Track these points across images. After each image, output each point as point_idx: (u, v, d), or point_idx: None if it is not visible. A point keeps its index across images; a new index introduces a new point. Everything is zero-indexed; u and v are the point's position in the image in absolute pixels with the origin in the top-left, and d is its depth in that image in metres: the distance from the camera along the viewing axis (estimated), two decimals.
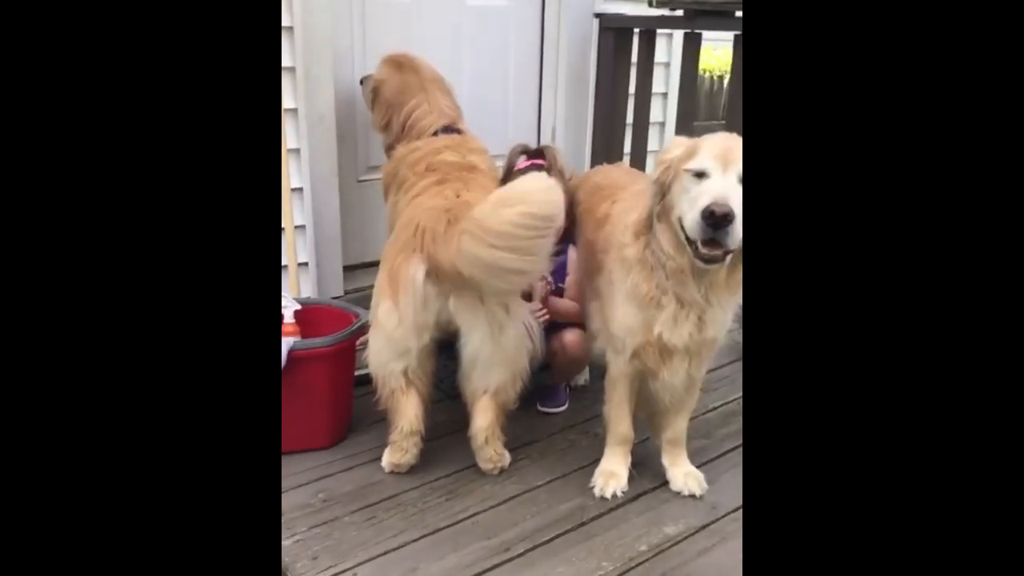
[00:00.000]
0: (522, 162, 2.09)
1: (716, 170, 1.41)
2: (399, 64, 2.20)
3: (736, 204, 1.37)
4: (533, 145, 2.20)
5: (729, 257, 1.46)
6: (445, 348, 1.85)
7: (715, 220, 1.36)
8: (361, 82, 2.32)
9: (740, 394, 2.31)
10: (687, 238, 1.46)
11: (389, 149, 2.22)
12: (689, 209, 1.42)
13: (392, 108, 2.17)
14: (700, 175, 1.43)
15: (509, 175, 2.08)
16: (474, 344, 1.72)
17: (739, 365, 2.50)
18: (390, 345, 1.74)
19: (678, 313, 1.56)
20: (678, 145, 1.52)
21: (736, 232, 1.38)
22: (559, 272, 2.11)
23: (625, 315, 1.64)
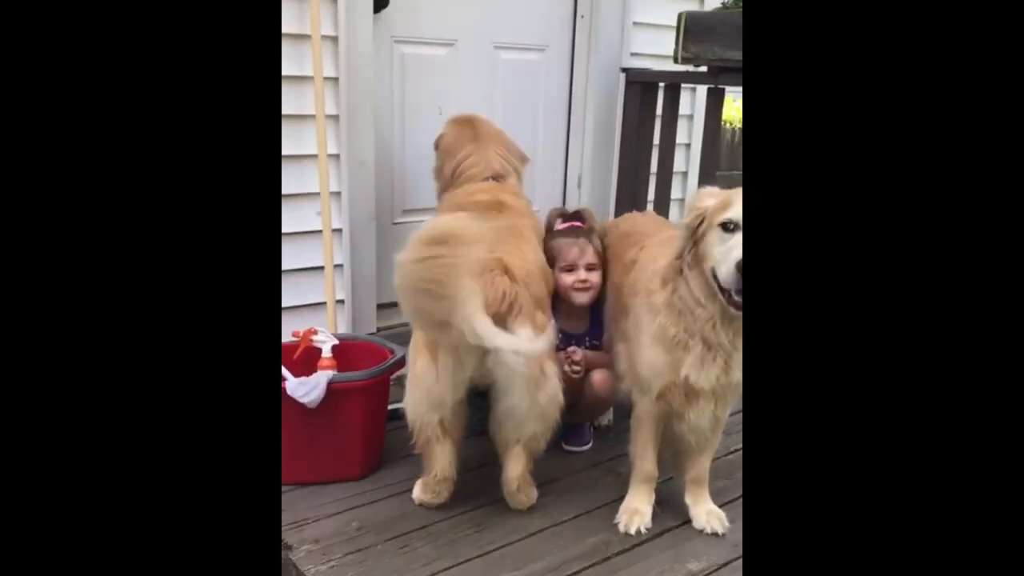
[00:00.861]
0: (560, 223, 2.20)
1: None
2: (461, 121, 2.34)
3: None
4: (569, 207, 2.32)
5: None
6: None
7: None
8: (436, 145, 2.42)
9: None
10: (720, 287, 1.54)
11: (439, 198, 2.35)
12: (724, 260, 1.50)
13: (447, 157, 2.30)
14: (735, 227, 1.52)
15: (548, 234, 2.19)
16: (511, 400, 1.74)
17: None
18: (428, 399, 1.76)
19: (705, 356, 1.63)
20: (711, 195, 1.60)
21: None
22: (595, 329, 2.19)
23: (652, 357, 1.71)
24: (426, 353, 1.75)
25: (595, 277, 2.12)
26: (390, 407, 2.15)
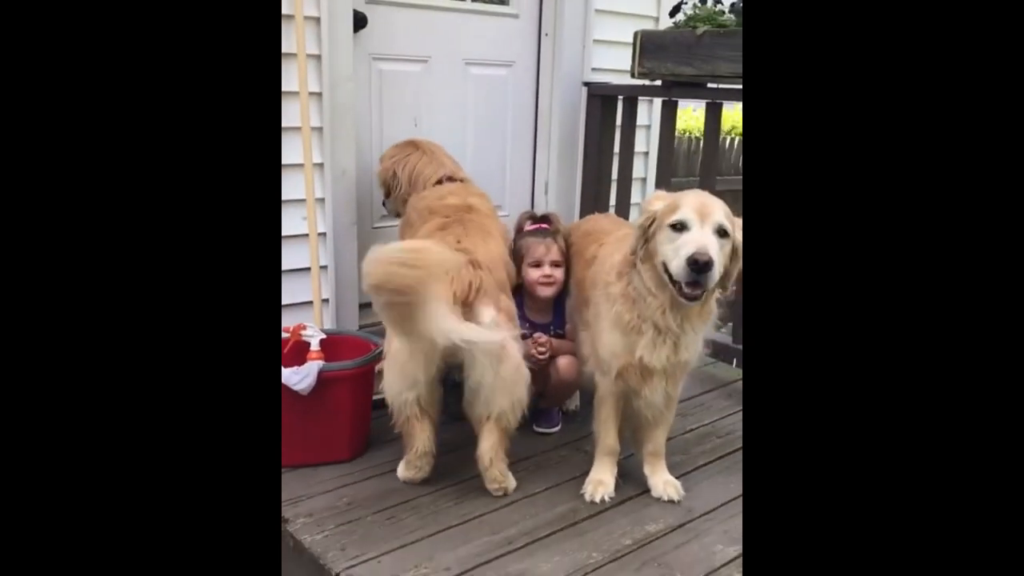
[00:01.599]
0: (529, 225, 2.41)
1: (695, 223, 1.72)
2: (400, 144, 2.58)
3: (714, 253, 1.67)
4: (537, 211, 2.54)
5: (705, 295, 1.76)
6: (450, 378, 2.09)
7: (699, 266, 1.66)
8: (380, 180, 2.62)
9: (714, 418, 2.59)
10: (671, 279, 1.75)
11: (396, 214, 2.55)
12: (674, 256, 1.71)
13: (396, 164, 2.50)
14: (681, 227, 1.74)
15: (518, 234, 2.41)
16: (476, 375, 1.91)
17: (714, 393, 2.78)
18: (403, 376, 1.94)
19: (656, 339, 1.85)
20: (660, 199, 1.83)
21: (714, 276, 1.69)
22: (559, 319, 2.40)
23: (611, 340, 1.93)
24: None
25: (559, 273, 2.33)
26: (375, 397, 2.33)
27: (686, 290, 1.73)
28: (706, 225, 1.72)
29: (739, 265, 1.84)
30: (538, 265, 2.33)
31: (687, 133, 5.42)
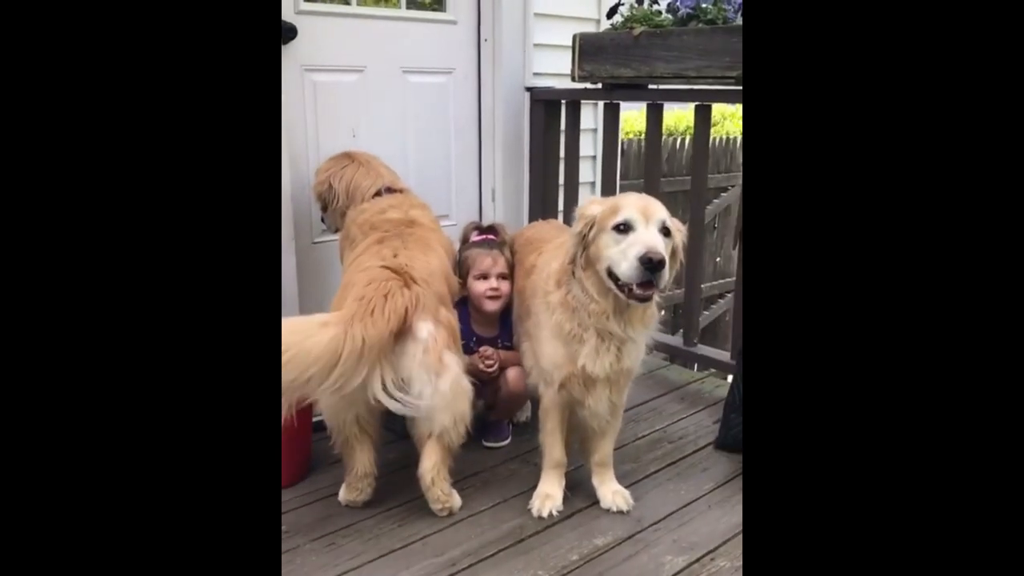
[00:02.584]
0: (475, 236, 2.36)
1: (640, 223, 1.69)
2: (335, 157, 2.49)
3: (664, 252, 1.64)
4: (485, 220, 2.49)
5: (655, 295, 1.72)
6: None
7: (652, 265, 1.62)
8: (316, 193, 2.53)
9: (666, 423, 2.55)
10: (616, 283, 1.71)
11: (335, 229, 2.48)
12: (622, 258, 1.67)
13: (332, 177, 2.42)
14: (626, 228, 1.69)
15: (464, 245, 2.35)
16: (415, 392, 1.83)
17: (667, 397, 2.75)
18: (341, 397, 1.85)
19: (599, 346, 1.80)
20: (597, 204, 1.79)
21: (665, 274, 1.65)
22: (506, 332, 2.35)
23: (552, 351, 1.88)
24: None
25: (505, 286, 2.28)
26: (314, 419, 2.26)
27: (637, 291, 1.69)
28: (651, 224, 1.69)
29: (677, 266, 1.82)
30: (484, 277, 2.27)
31: (630, 135, 5.43)
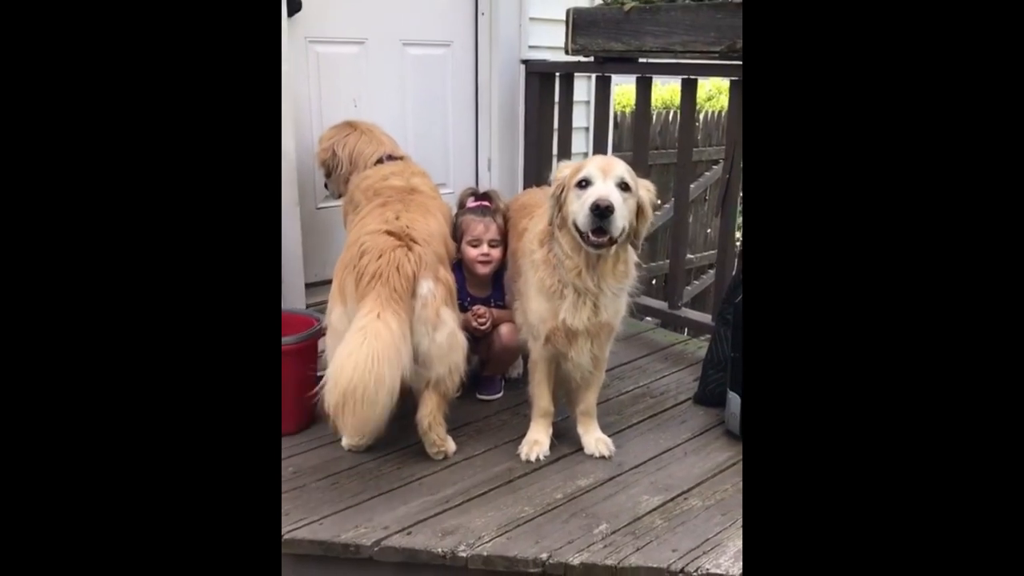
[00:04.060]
0: (471, 202, 2.48)
1: (599, 178, 1.83)
2: (337, 126, 2.63)
3: (616, 200, 1.78)
4: (479, 187, 2.60)
5: (614, 247, 1.86)
6: None
7: (600, 211, 1.76)
8: (320, 161, 2.67)
9: (649, 380, 2.71)
10: (580, 233, 1.85)
11: (338, 194, 2.61)
12: (580, 209, 1.82)
13: (335, 144, 2.56)
14: (586, 184, 1.84)
15: (460, 210, 2.47)
16: (413, 343, 1.97)
17: (650, 357, 2.91)
18: None
19: (576, 301, 1.95)
20: (567, 167, 1.93)
21: (616, 221, 1.79)
22: (498, 292, 2.49)
23: (537, 306, 2.03)
24: (339, 303, 2.03)
25: (496, 252, 2.42)
26: (319, 374, 2.41)
27: (592, 238, 1.83)
28: (608, 179, 1.84)
29: (647, 223, 1.95)
30: (477, 244, 2.41)
31: (620, 109, 5.53)
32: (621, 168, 1.87)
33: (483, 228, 2.40)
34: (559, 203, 1.91)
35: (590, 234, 1.82)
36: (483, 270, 2.42)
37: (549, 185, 2.01)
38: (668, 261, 4.34)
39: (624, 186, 1.85)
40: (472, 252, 2.40)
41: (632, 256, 2.01)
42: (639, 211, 1.91)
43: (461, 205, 2.51)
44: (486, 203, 2.47)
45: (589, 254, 1.89)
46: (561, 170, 1.93)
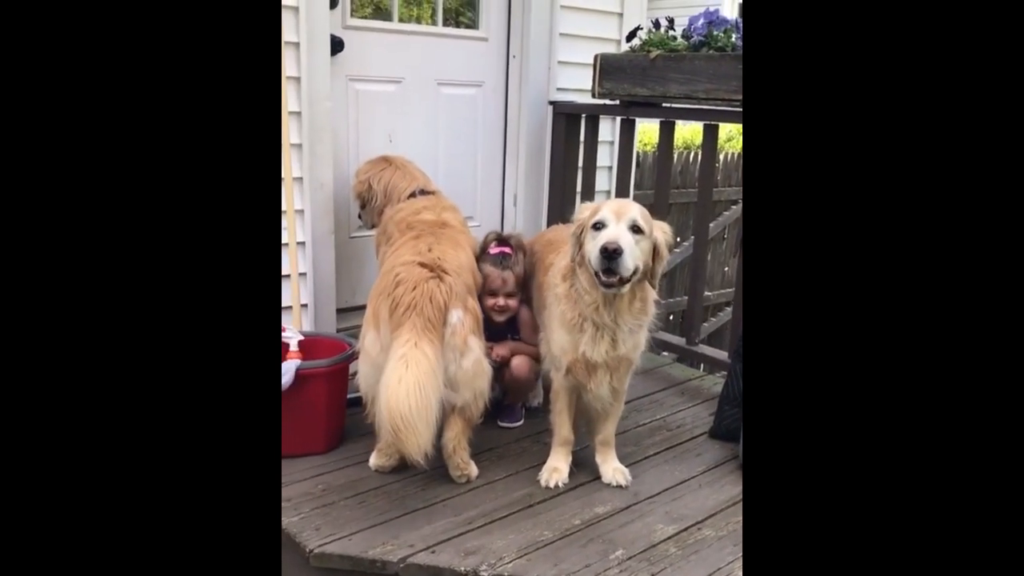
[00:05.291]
0: (493, 248, 2.54)
1: (612, 221, 1.94)
2: (373, 160, 2.77)
3: (625, 243, 1.89)
4: (503, 226, 2.70)
5: (626, 286, 1.96)
6: None
7: (608, 253, 1.87)
8: (356, 193, 2.80)
9: (666, 414, 2.79)
10: (594, 272, 1.95)
11: (371, 225, 2.75)
12: (593, 249, 1.93)
13: (371, 178, 2.69)
14: (600, 226, 1.95)
15: (482, 254, 2.53)
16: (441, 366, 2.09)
17: (668, 391, 2.99)
18: (375, 368, 2.11)
19: (595, 335, 2.05)
20: (586, 209, 2.05)
21: (625, 262, 1.89)
22: (513, 326, 2.58)
23: (559, 338, 2.13)
24: (372, 328, 2.14)
25: (512, 302, 2.50)
26: (349, 396, 2.51)
27: (603, 277, 1.93)
28: (621, 223, 1.94)
29: (662, 263, 2.05)
30: (494, 295, 2.49)
31: (642, 148, 5.66)
32: (634, 211, 1.98)
33: (500, 282, 2.47)
34: (579, 241, 2.02)
35: (600, 274, 1.92)
36: (498, 318, 2.50)
37: (572, 223, 2.12)
38: (686, 297, 4.43)
39: (636, 229, 1.95)
40: (488, 302, 2.48)
41: (651, 293, 2.10)
42: (655, 252, 2.01)
43: (484, 248, 2.56)
44: (507, 250, 2.53)
45: (605, 292, 1.99)
46: (582, 211, 2.05)
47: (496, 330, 2.56)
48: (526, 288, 2.55)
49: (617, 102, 3.14)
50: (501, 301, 2.48)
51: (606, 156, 3.69)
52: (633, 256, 1.91)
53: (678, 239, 4.06)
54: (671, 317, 5.16)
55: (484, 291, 2.48)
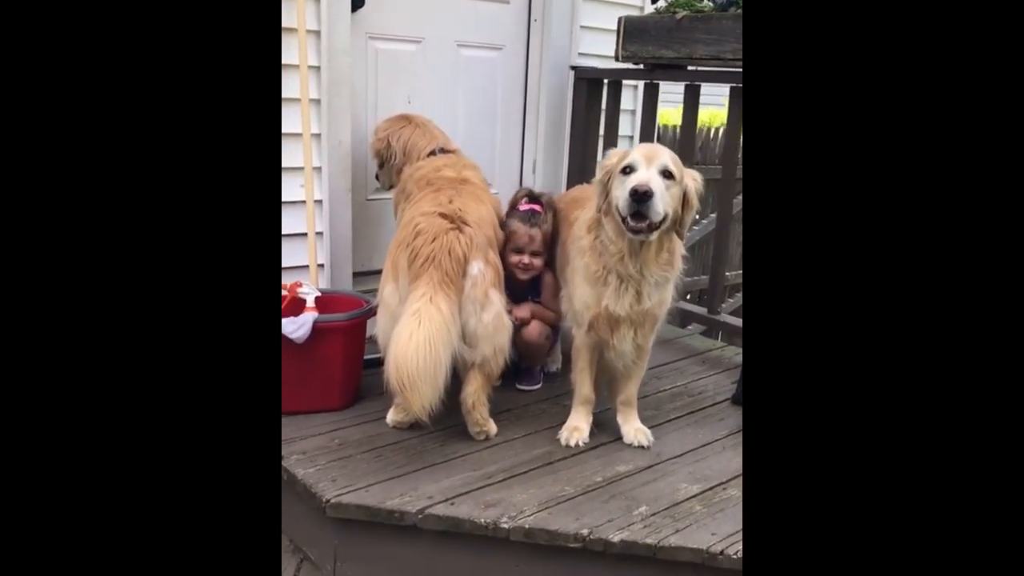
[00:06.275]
0: (524, 203, 2.48)
1: (642, 165, 1.88)
2: (393, 118, 2.71)
3: (656, 187, 1.82)
4: (533, 188, 2.65)
5: (654, 233, 1.90)
6: None
7: (638, 196, 1.81)
8: (375, 151, 2.75)
9: (687, 380, 2.73)
10: (621, 218, 1.89)
11: (389, 185, 2.70)
12: (621, 194, 1.87)
13: (390, 135, 2.64)
14: (629, 170, 1.89)
15: (511, 209, 2.49)
16: (461, 320, 2.03)
17: (689, 360, 2.93)
18: (394, 319, 2.06)
19: (619, 288, 2.00)
20: (614, 155, 1.99)
21: (655, 207, 1.83)
22: (534, 289, 2.53)
23: (582, 292, 2.08)
24: (391, 280, 2.10)
25: (537, 261, 2.44)
26: (366, 357, 2.47)
27: (631, 223, 1.87)
28: (651, 167, 1.88)
29: (692, 212, 1.99)
30: (519, 251, 2.43)
31: (670, 126, 5.60)
32: (665, 156, 1.91)
33: (528, 239, 2.41)
34: (605, 189, 1.96)
35: (629, 218, 1.86)
36: (522, 276, 2.45)
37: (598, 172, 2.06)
38: (705, 276, 4.38)
39: (667, 174, 1.89)
40: (513, 258, 2.42)
41: (679, 246, 2.05)
42: (685, 200, 1.95)
43: (514, 205, 2.52)
44: (537, 207, 2.47)
45: (632, 241, 1.94)
46: (609, 157, 1.99)
47: (517, 291, 2.51)
48: (551, 249, 2.49)
49: (641, 66, 3.08)
50: (526, 259, 2.43)
51: (627, 125, 3.63)
52: (663, 201, 1.86)
53: (698, 216, 3.98)
54: (688, 296, 5.09)
55: (510, 247, 2.43)
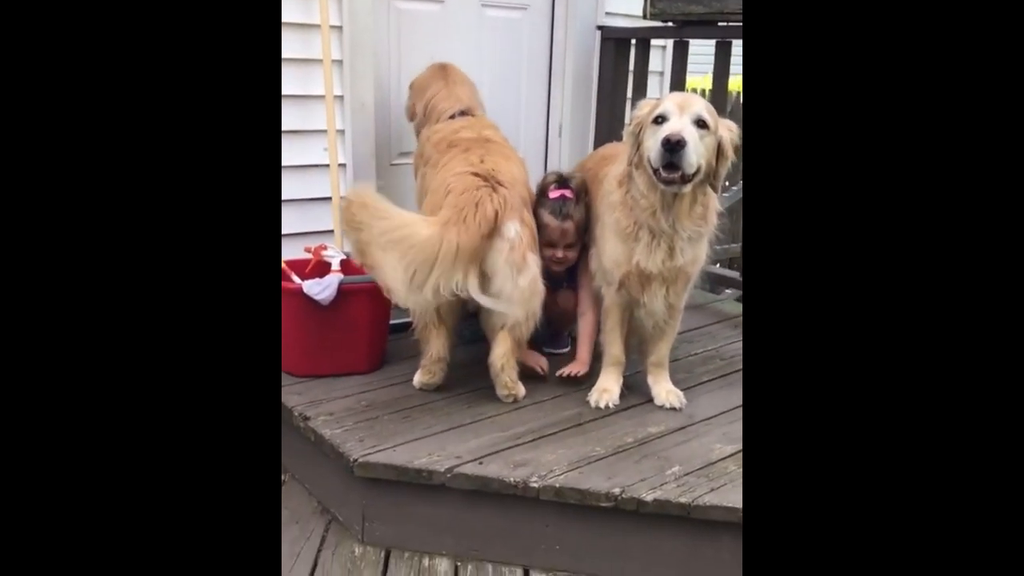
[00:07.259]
0: (552, 190, 2.30)
1: (675, 113, 1.80)
2: (436, 66, 2.64)
3: (689, 136, 1.75)
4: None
5: (688, 185, 1.83)
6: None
7: (671, 145, 1.74)
8: (410, 85, 2.71)
9: (719, 344, 2.68)
10: (653, 170, 1.82)
11: (418, 134, 2.64)
12: (653, 144, 1.79)
13: (418, 94, 2.59)
14: (662, 120, 1.81)
15: (540, 198, 2.32)
16: (496, 285, 1.99)
17: (720, 325, 2.87)
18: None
19: (651, 243, 1.93)
20: (645, 105, 1.91)
21: (689, 157, 1.76)
22: (571, 272, 2.40)
23: (612, 249, 2.02)
24: None
25: (572, 254, 2.31)
26: (393, 321, 2.44)
27: (663, 174, 1.79)
28: (685, 115, 1.80)
29: (727, 164, 1.91)
30: (552, 246, 2.29)
31: (694, 89, 5.50)
32: (699, 105, 1.84)
33: (560, 234, 2.26)
34: (637, 141, 1.90)
35: (661, 169, 1.79)
36: (556, 268, 2.33)
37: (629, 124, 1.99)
38: (736, 245, 4.28)
39: (701, 123, 1.82)
40: (546, 253, 2.26)
41: (713, 200, 1.98)
42: (719, 151, 1.88)
43: (543, 191, 2.34)
44: (568, 193, 2.30)
45: (665, 194, 1.87)
46: (641, 108, 1.92)
47: (552, 274, 2.42)
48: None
49: (670, 24, 2.98)
50: (559, 253, 2.29)
51: (656, 88, 3.53)
52: (697, 151, 1.78)
53: (727, 182, 3.89)
54: (717, 265, 5.00)
55: (541, 240, 2.25)
